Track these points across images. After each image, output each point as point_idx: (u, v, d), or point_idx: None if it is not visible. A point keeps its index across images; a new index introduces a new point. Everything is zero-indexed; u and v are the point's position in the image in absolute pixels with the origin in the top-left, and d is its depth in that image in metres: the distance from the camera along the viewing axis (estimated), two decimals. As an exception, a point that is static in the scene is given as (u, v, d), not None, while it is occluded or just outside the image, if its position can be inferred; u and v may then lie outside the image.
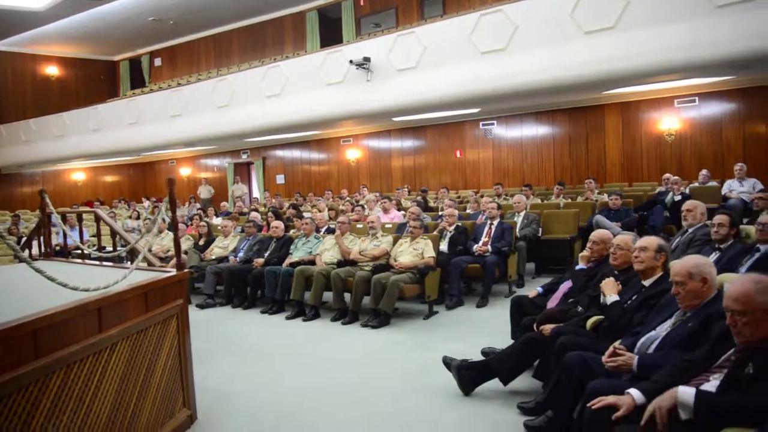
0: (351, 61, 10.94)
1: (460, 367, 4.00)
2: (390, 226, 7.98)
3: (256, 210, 11.68)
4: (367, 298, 6.22)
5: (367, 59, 10.84)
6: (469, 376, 3.98)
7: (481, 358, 4.24)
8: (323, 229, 7.93)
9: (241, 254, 7.89)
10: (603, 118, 12.53)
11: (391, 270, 6.31)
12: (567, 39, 8.87)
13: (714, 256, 4.40)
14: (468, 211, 9.14)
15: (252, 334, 6.10)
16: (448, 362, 4.09)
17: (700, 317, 2.73)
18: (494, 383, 3.92)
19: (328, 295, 6.65)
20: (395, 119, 13.19)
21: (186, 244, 8.69)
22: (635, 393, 2.45)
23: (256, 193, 19.07)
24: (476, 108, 12.14)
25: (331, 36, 16.33)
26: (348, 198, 12.88)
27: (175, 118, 14.84)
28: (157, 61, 21.51)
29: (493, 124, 13.87)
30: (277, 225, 7.80)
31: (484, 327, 5.70)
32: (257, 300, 7.38)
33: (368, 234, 6.97)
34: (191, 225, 10.06)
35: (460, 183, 14.34)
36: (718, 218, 4.52)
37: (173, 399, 3.58)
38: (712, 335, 2.52)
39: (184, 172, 20.64)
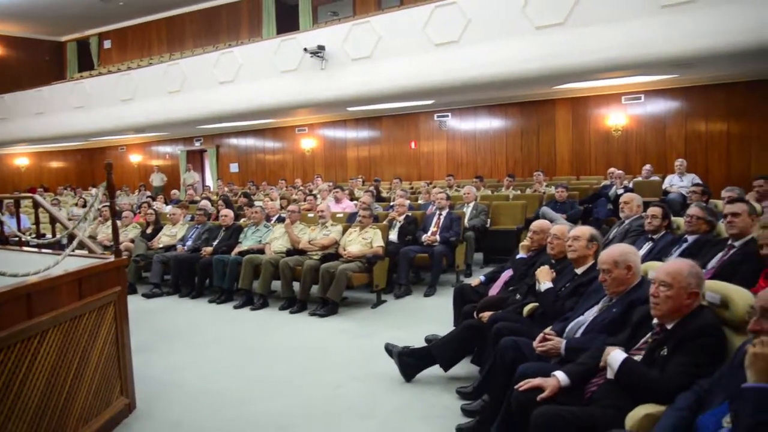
0: (305, 49, 10.85)
1: (401, 354, 4.06)
2: (341, 215, 7.99)
3: (207, 198, 11.49)
4: (315, 287, 6.22)
5: (321, 48, 10.77)
6: (410, 362, 4.05)
7: (425, 345, 4.31)
8: (274, 218, 7.88)
9: (189, 243, 7.76)
10: (554, 113, 12.81)
11: (339, 259, 6.33)
12: (519, 33, 9.03)
13: (647, 246, 4.59)
14: (419, 201, 9.22)
15: (199, 323, 6.02)
16: (390, 349, 4.15)
17: (623, 303, 2.85)
18: (435, 369, 4.00)
19: (276, 284, 6.63)
20: (350, 109, 13.17)
21: (133, 232, 8.49)
22: (560, 375, 2.55)
23: (209, 182, 18.74)
24: (430, 99, 12.24)
25: (288, 23, 16.12)
26: (301, 187, 12.81)
27: (125, 103, 14.42)
28: (107, 44, 20.80)
29: (447, 116, 14.01)
30: (227, 213, 7.70)
31: (430, 315, 5.79)
32: (205, 289, 7.29)
33: (318, 223, 6.96)
34: (139, 213, 9.83)
35: (414, 174, 14.45)
36: (652, 210, 4.71)
37: (110, 388, 3.53)
38: (634, 319, 2.65)
39: (135, 159, 20.11)
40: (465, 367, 4.10)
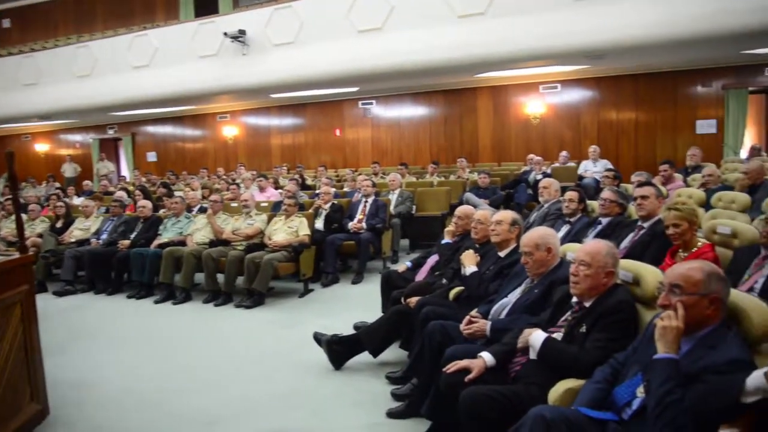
0: (225, 34, 10.50)
1: (330, 342, 4.05)
2: (266, 204, 7.84)
3: (123, 189, 10.93)
4: (240, 279, 6.08)
5: (242, 32, 10.46)
6: (339, 350, 4.05)
7: (353, 332, 4.32)
8: (195, 209, 7.62)
9: (104, 236, 7.36)
10: (476, 101, 13.09)
11: (265, 249, 6.21)
12: (442, 22, 9.12)
13: (565, 228, 4.79)
14: (345, 189, 9.20)
15: (117, 320, 5.74)
16: (319, 338, 4.13)
17: (544, 284, 2.96)
18: (364, 356, 4.01)
19: (199, 277, 6.42)
20: (274, 96, 12.91)
21: (41, 226, 7.95)
22: (486, 356, 2.62)
23: (125, 172, 17.84)
24: (355, 87, 12.19)
25: (206, 6, 15.51)
26: (224, 177, 12.45)
27: (28, 88, 13.43)
28: (6, 23, 19.22)
29: (372, 103, 14.01)
30: (144, 204, 7.36)
31: (358, 302, 5.79)
32: (123, 285, 6.94)
33: (242, 213, 6.80)
34: (48, 206, 9.22)
35: (339, 162, 14.38)
36: (569, 194, 4.92)
37: (18, 394, 3.29)
38: (555, 299, 2.75)
39: (41, 148, 18.80)
40: (393, 353, 4.13)
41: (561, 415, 1.92)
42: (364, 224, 6.96)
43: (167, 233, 6.93)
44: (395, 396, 3.53)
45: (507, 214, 3.75)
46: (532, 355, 2.46)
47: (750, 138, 11.60)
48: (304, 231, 6.32)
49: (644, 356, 1.97)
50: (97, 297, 6.74)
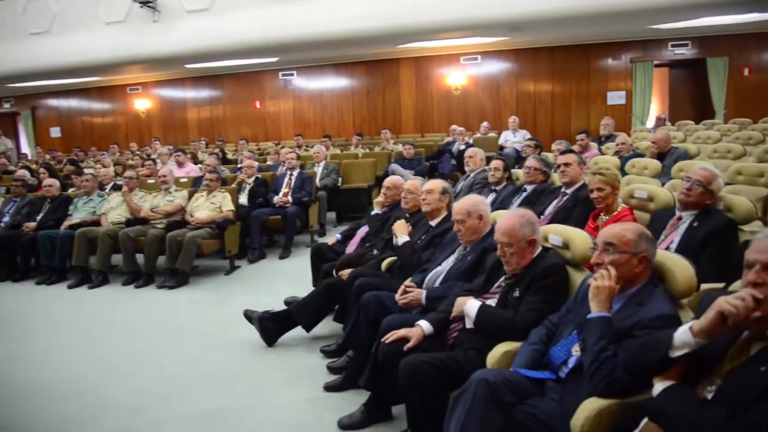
0: (133, -1, 9.84)
1: (262, 319, 3.95)
2: (185, 180, 7.50)
3: (26, 167, 10.12)
4: (162, 258, 5.81)
5: (152, -4, 9.83)
6: (271, 326, 3.96)
7: (284, 308, 4.23)
8: (108, 186, 7.18)
9: (6, 219, 6.79)
10: (398, 72, 13.07)
11: (187, 226, 5.95)
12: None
13: (491, 196, 4.89)
14: (268, 162, 8.97)
15: (26, 309, 5.35)
16: (249, 315, 4.01)
17: (477, 250, 3.00)
18: (297, 331, 3.95)
19: (117, 258, 6.08)
20: (188, 66, 12.29)
21: (-70, 209, 7.23)
22: (424, 324, 2.63)
23: (25, 149, 16.52)
24: (275, 57, 11.82)
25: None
26: (138, 152, 11.81)
27: None
28: None
29: (293, 74, 13.67)
30: (51, 183, 6.83)
31: (287, 277, 5.69)
32: (31, 270, 6.47)
33: (160, 189, 6.46)
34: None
35: (260, 135, 13.99)
36: (494, 163, 5.01)
37: None
38: (488, 265, 2.79)
39: (-76, 123, 17.07)
40: (327, 326, 4.09)
41: (502, 378, 1.96)
42: (289, 198, 6.82)
43: (78, 213, 6.49)
44: (331, 369, 3.51)
45: (437, 183, 3.77)
46: (469, 324, 2.49)
47: (655, 108, 12.31)
48: (228, 206, 6.11)
49: (578, 316, 2.04)
50: (2, 285, 6.25)
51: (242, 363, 3.75)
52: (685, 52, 11.59)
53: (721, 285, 2.25)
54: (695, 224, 2.94)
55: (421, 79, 12.95)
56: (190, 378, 3.59)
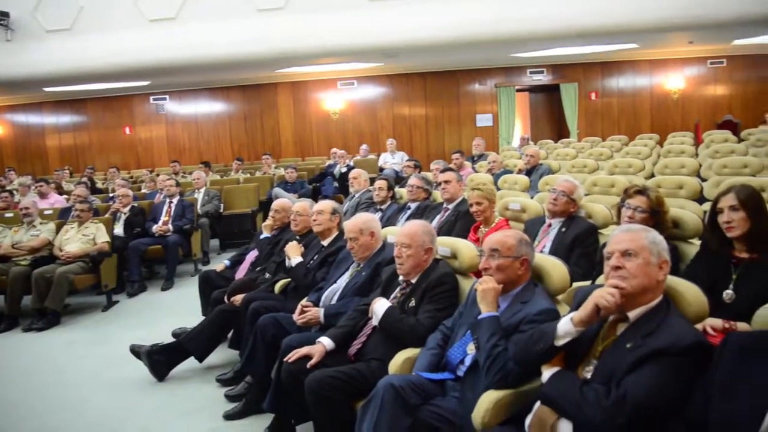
0: (-19, 17, 8.99)
1: (150, 353, 3.78)
2: (50, 212, 6.93)
3: None
4: (27, 298, 5.32)
5: (5, 14, 9.03)
6: (161, 360, 3.80)
7: (173, 340, 4.07)
8: (-43, 222, 6.45)
9: None
10: (276, 97, 13.05)
11: (56, 261, 5.51)
12: (240, 14, 8.85)
13: (377, 215, 5.04)
14: (143, 190, 8.56)
15: None
16: (137, 350, 3.83)
17: (371, 266, 3.12)
18: (190, 362, 3.82)
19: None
20: (48, 89, 11.41)
21: None
22: (325, 340, 2.69)
23: None
24: (145, 81, 11.33)
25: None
26: (-11, 184, 10.70)
27: None
28: None
29: (165, 99, 13.15)
30: None
31: (173, 309, 5.47)
32: None
33: (22, 223, 5.93)
34: None
35: (132, 162, 13.23)
36: (378, 183, 5.21)
37: None
38: (383, 279, 2.92)
39: None
40: (221, 354, 4.00)
41: (407, 381, 2.07)
42: (170, 226, 6.56)
43: None
44: (229, 397, 3.44)
45: (327, 204, 3.86)
46: (375, 322, 2.59)
47: (519, 129, 13.39)
48: (103, 238, 5.74)
49: (470, 318, 2.22)
50: None
51: (132, 401, 3.55)
52: (541, 78, 12.75)
53: (588, 282, 2.55)
54: (563, 230, 3.29)
55: (299, 104, 13.04)
56: (74, 424, 3.33)
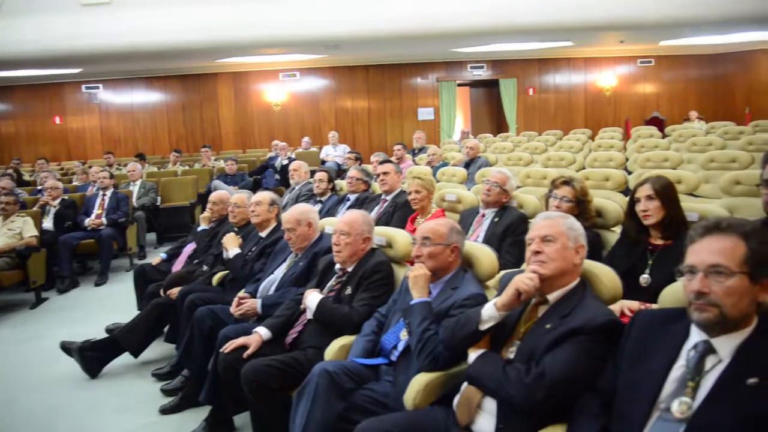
0: None
1: (82, 349, 3.68)
2: (-28, 206, 6.58)
3: None
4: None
5: None
6: (93, 356, 3.70)
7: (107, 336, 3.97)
8: None
9: None
10: (216, 87, 12.77)
11: (-21, 257, 5.25)
12: (179, 1, 8.60)
13: (317, 207, 5.06)
14: (75, 183, 8.24)
15: None
16: (67, 347, 3.72)
17: (308, 256, 3.15)
18: (125, 358, 3.74)
19: None
20: (-32, 77, 10.79)
21: None
22: (262, 330, 2.70)
23: None
24: (76, 68, 10.86)
25: None
26: None
27: None
28: None
29: (98, 87, 12.64)
30: None
31: (107, 304, 5.31)
32: None
33: (-59, 217, 5.62)
34: None
35: (62, 154, 12.64)
36: (318, 175, 5.23)
37: None
38: (320, 268, 2.95)
39: None
40: (157, 349, 3.93)
41: (341, 367, 2.12)
42: (103, 219, 6.36)
43: None
44: (166, 392, 3.39)
45: (265, 195, 3.85)
46: (309, 315, 2.62)
47: (461, 123, 13.63)
48: (30, 232, 5.51)
49: (403, 305, 2.28)
50: None
51: (64, 399, 3.44)
52: (481, 73, 13.03)
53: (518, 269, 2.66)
54: (496, 220, 3.41)
55: (240, 95, 12.82)
56: (4, 424, 3.21)
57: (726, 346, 1.41)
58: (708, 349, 1.43)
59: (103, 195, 6.62)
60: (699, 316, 1.41)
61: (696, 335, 1.47)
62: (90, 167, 8.94)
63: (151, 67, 11.66)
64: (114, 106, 12.78)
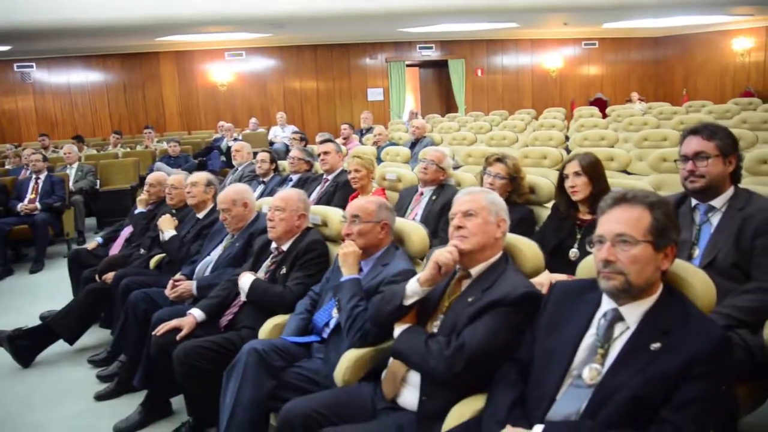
0: None
1: (12, 338, 3.54)
2: None
3: None
4: None
5: None
6: (25, 344, 3.58)
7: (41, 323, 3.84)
8: None
9: None
10: (158, 67, 12.38)
11: None
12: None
13: (260, 188, 5.02)
14: (7, 167, 7.88)
15: None
16: (-4, 336, 3.57)
17: (244, 237, 3.12)
18: (59, 345, 3.63)
19: None
20: None
21: None
22: (196, 312, 2.67)
23: None
24: (6, 45, 10.31)
25: None
26: None
27: None
28: None
29: (32, 66, 12.04)
30: None
31: (42, 292, 5.12)
32: None
33: None
34: None
35: (-7, 137, 12.09)
36: (260, 156, 5.17)
37: None
38: (255, 248, 2.93)
39: None
40: (93, 335, 3.83)
41: (271, 345, 2.12)
42: (37, 204, 6.12)
43: None
44: (102, 378, 3.32)
45: (201, 176, 3.78)
46: (243, 297, 2.60)
47: (411, 104, 13.67)
48: (-43, 218, 5.26)
49: (335, 282, 2.29)
50: None
51: (-8, 390, 3.32)
52: (430, 54, 13.07)
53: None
54: (434, 198, 3.46)
55: (184, 75, 12.46)
56: None
57: (633, 313, 1.48)
58: (616, 317, 1.49)
59: (37, 179, 6.36)
60: (606, 283, 1.47)
61: (606, 304, 1.53)
62: (23, 150, 8.55)
63: (89, 45, 11.15)
64: (49, 86, 12.21)
